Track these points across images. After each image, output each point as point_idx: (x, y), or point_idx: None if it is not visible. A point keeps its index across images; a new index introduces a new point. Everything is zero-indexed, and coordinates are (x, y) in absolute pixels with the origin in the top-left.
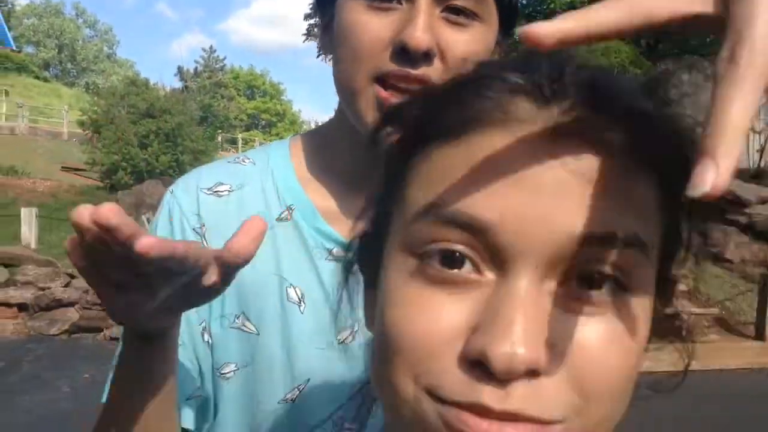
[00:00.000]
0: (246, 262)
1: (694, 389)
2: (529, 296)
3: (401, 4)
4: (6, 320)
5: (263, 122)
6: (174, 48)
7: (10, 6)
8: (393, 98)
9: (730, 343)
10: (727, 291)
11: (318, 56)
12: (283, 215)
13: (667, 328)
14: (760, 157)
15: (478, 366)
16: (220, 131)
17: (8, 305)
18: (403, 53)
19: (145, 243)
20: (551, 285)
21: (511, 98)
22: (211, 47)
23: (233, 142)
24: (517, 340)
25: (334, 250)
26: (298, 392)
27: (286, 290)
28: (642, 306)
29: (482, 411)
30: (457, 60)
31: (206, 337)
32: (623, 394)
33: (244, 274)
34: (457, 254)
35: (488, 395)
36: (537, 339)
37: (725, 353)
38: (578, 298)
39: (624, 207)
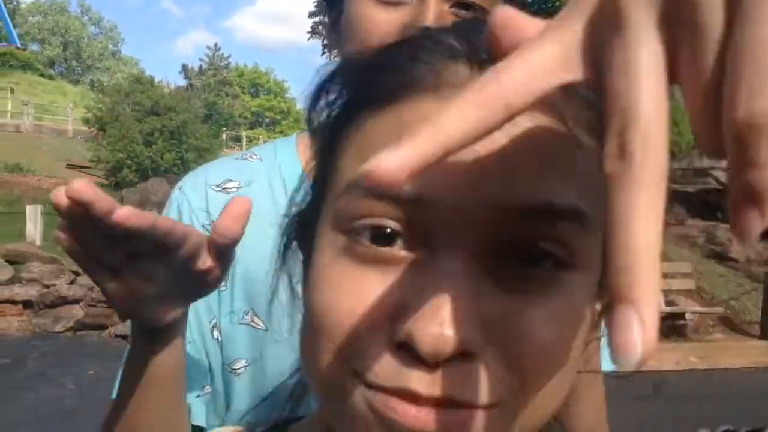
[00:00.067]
0: (233, 242)
1: (698, 388)
2: (461, 274)
3: None
4: (11, 317)
5: (267, 120)
6: (179, 45)
7: (15, 3)
8: None
9: (734, 343)
10: (731, 290)
11: (323, 54)
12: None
13: (670, 328)
14: None
15: (406, 349)
16: (224, 129)
17: (13, 302)
18: None
19: (121, 213)
20: (486, 262)
21: (445, 62)
22: (215, 45)
23: (237, 139)
24: (446, 321)
25: None
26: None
27: (294, 285)
28: (585, 283)
29: (411, 397)
30: None
31: (215, 333)
32: (564, 375)
33: (252, 270)
34: (388, 230)
35: (417, 380)
36: (468, 319)
37: (730, 352)
38: (515, 276)
39: (566, 178)
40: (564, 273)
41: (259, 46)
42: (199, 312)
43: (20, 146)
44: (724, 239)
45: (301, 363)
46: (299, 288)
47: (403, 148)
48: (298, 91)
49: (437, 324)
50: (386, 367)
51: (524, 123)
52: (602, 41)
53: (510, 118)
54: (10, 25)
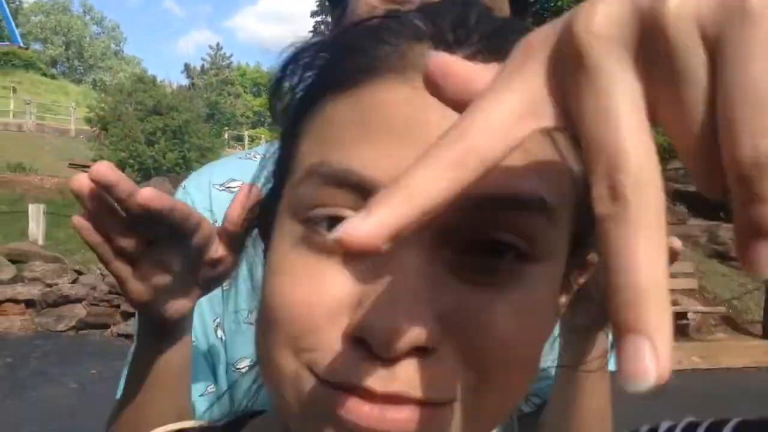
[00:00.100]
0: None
1: (700, 388)
2: (420, 266)
3: None
4: (14, 316)
5: (269, 119)
6: (181, 45)
7: (17, 3)
8: None
9: (737, 342)
10: (734, 289)
11: None
12: None
13: (673, 327)
14: None
15: (361, 344)
16: (226, 128)
17: (16, 301)
18: None
19: (144, 194)
20: (447, 253)
21: (411, 45)
22: (217, 44)
23: (239, 139)
24: (402, 315)
25: None
26: None
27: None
28: (549, 276)
29: (364, 394)
30: None
31: (219, 333)
32: (525, 369)
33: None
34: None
35: (371, 376)
36: (426, 313)
37: (732, 352)
38: (476, 268)
39: (530, 167)
40: (527, 265)
41: (260, 46)
42: (203, 312)
43: (23, 145)
44: (727, 239)
45: (256, 356)
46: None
47: (375, 215)
48: None
49: (392, 318)
50: (340, 363)
51: None
52: (568, 87)
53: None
54: (13, 24)
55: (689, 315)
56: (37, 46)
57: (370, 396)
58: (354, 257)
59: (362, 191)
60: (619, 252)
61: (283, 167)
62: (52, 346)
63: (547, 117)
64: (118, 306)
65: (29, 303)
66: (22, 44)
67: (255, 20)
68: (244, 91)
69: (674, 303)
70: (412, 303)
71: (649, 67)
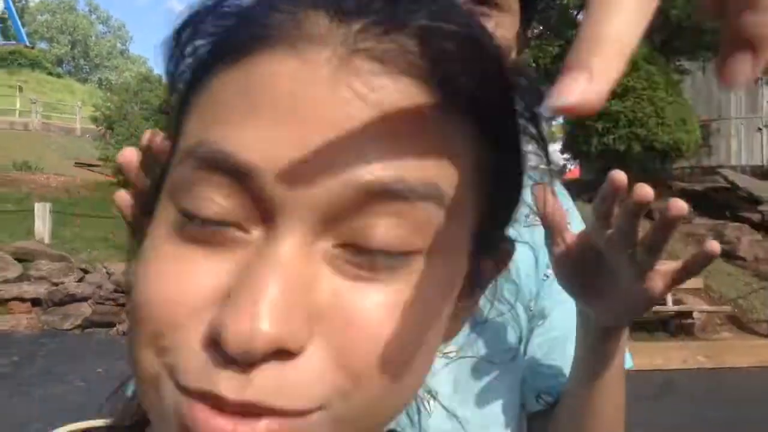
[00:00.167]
0: None
1: (705, 387)
2: (291, 259)
3: None
4: (20, 315)
5: None
6: None
7: (23, 2)
8: None
9: (742, 341)
10: (739, 289)
11: None
12: None
13: (677, 326)
14: None
15: (217, 346)
16: None
17: (22, 300)
18: None
19: None
20: (326, 245)
21: (307, 13)
22: None
23: None
24: (263, 314)
25: None
26: None
27: None
28: (440, 271)
29: (217, 402)
30: None
31: None
32: (404, 373)
33: None
34: (221, 207)
35: (226, 383)
36: (291, 312)
37: (737, 351)
38: (356, 262)
39: (423, 151)
40: (412, 259)
41: None
42: None
43: (28, 144)
44: (732, 238)
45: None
46: None
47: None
48: None
49: (250, 318)
50: (197, 366)
51: (381, 90)
52: None
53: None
54: (19, 23)
55: (694, 314)
56: (43, 45)
57: (222, 405)
58: (227, 248)
59: (237, 176)
60: (599, 14)
61: (173, 144)
62: (58, 345)
63: None
64: (123, 304)
65: (35, 302)
66: (27, 43)
67: None
68: None
69: (679, 302)
70: (282, 299)
71: None
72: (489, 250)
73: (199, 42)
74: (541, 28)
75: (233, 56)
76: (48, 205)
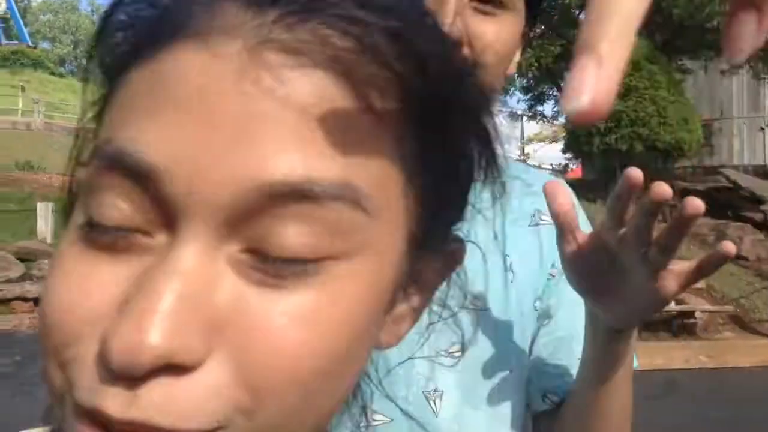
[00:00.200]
0: None
1: (707, 387)
2: (193, 266)
3: None
4: (22, 314)
5: None
6: None
7: (26, 2)
8: None
9: (744, 341)
10: (742, 288)
11: None
12: None
13: (680, 326)
14: None
15: (107, 359)
16: None
17: (25, 299)
18: None
19: None
20: (231, 250)
21: (221, 4)
22: None
23: None
24: (151, 326)
25: None
26: None
27: None
28: (361, 279)
29: (102, 421)
30: (486, 50)
31: None
32: (319, 384)
33: None
34: (124, 211)
35: (111, 400)
36: (187, 323)
37: (740, 351)
38: (262, 268)
39: (338, 150)
40: (329, 265)
41: None
42: None
43: (31, 144)
44: (735, 237)
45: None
46: None
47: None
48: None
49: (137, 329)
50: (88, 381)
51: (296, 85)
52: None
53: None
54: (21, 23)
55: (697, 314)
56: (45, 45)
57: (107, 424)
58: (132, 254)
59: (137, 178)
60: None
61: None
62: None
63: None
64: None
65: (38, 301)
66: (30, 43)
67: None
68: None
69: (682, 302)
70: (171, 309)
71: None
72: (434, 251)
73: (121, 34)
74: (543, 27)
75: (150, 50)
76: (50, 205)
